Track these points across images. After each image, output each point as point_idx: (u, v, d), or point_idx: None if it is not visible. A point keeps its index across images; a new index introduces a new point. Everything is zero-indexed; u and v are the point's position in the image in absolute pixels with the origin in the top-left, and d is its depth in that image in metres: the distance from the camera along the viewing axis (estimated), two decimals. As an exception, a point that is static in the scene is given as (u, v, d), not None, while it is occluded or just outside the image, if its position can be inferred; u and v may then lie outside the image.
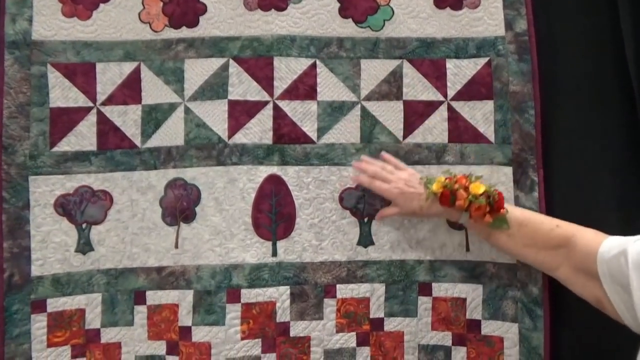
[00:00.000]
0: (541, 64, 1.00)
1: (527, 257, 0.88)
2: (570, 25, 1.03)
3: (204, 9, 1.01)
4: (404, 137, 1.01)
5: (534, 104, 0.99)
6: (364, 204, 0.99)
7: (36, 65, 0.99)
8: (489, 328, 0.97)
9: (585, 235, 0.79)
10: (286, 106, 1.00)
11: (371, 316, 0.98)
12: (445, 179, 0.90)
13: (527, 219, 0.87)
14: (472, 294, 0.98)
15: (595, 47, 1.02)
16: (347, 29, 1.02)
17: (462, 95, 1.01)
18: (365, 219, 0.99)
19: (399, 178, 0.93)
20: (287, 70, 1.00)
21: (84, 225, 0.99)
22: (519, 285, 0.97)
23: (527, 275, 0.95)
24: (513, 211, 0.88)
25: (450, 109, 1.01)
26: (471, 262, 0.98)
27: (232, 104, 1.00)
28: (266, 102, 1.00)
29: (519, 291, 0.96)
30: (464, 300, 0.98)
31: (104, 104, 1.00)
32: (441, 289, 0.98)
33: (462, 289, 0.98)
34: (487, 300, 0.97)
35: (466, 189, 0.88)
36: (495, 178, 0.99)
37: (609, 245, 0.73)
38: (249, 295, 0.96)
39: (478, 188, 0.88)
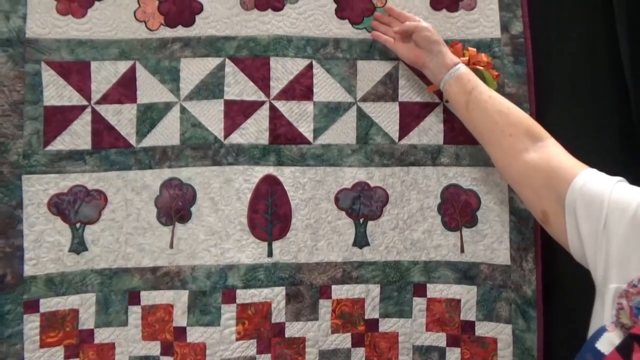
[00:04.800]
0: (536, 66, 1.01)
1: (493, 130, 0.85)
2: (566, 27, 1.04)
3: (200, 8, 1.01)
4: (400, 138, 1.01)
5: (529, 106, 0.99)
6: (359, 205, 1.00)
7: (30, 63, 0.98)
8: (483, 329, 0.97)
9: (560, 152, 0.78)
10: (282, 106, 1.00)
11: (366, 317, 0.98)
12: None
13: (509, 105, 0.87)
14: (467, 295, 0.98)
15: (590, 49, 1.03)
16: (344, 30, 1.02)
17: (457, 97, 1.01)
18: (361, 220, 1.00)
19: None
20: (283, 70, 1.00)
21: (77, 225, 0.98)
22: (512, 286, 0.97)
23: (521, 277, 0.96)
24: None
25: (446, 110, 1.01)
26: (466, 263, 0.99)
27: (228, 104, 0.99)
28: (262, 102, 1.00)
29: (513, 292, 0.97)
30: (459, 301, 0.98)
31: (98, 102, 1.00)
32: (436, 290, 0.98)
33: (456, 290, 0.98)
34: (481, 302, 0.98)
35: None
36: (490, 179, 1.00)
37: (587, 177, 0.71)
38: (245, 295, 0.96)
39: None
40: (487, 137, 0.88)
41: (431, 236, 1.00)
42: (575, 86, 1.01)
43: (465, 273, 0.99)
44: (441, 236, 1.00)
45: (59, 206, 0.98)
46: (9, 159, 0.96)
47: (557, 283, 0.97)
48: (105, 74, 1.00)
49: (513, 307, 0.97)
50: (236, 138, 0.99)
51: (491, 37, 1.02)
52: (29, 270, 0.95)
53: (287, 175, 0.99)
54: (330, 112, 1.01)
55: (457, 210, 1.00)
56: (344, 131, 1.01)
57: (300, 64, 1.01)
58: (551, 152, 0.79)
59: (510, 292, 0.97)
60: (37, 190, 0.97)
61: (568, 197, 0.71)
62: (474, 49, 0.99)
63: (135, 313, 0.97)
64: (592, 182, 0.70)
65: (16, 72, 0.98)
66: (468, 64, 0.95)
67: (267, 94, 1.00)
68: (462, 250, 0.99)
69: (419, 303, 0.99)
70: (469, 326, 0.98)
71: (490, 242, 0.99)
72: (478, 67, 0.96)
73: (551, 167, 0.76)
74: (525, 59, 1.00)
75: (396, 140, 1.01)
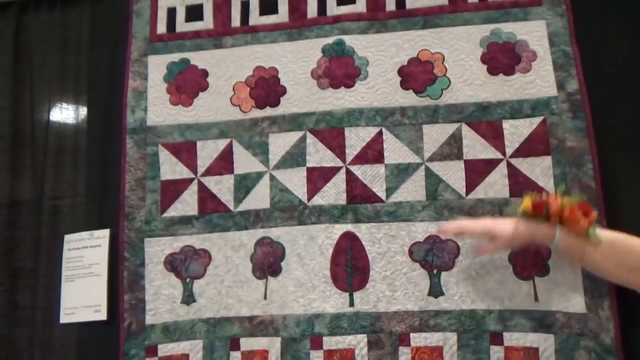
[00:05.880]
0: (596, 118, 1.06)
1: (620, 277, 0.89)
2: (622, 80, 1.08)
3: (284, 91, 1.19)
4: (467, 193, 1.09)
5: (592, 158, 1.04)
6: (432, 257, 1.07)
7: (150, 146, 1.20)
8: (565, 377, 0.98)
9: None
10: (357, 170, 1.13)
11: (445, 364, 1.03)
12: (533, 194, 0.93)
13: (618, 239, 0.88)
14: (544, 343, 1.00)
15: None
16: (409, 99, 1.14)
17: (520, 153, 1.08)
18: (435, 271, 1.07)
19: (485, 219, 0.99)
20: (356, 138, 1.14)
21: (187, 280, 1.15)
22: (590, 334, 0.98)
23: (598, 325, 0.97)
24: (603, 231, 0.90)
25: (510, 165, 1.08)
26: (541, 311, 1.01)
27: (310, 171, 1.14)
28: (339, 168, 1.13)
29: (591, 341, 0.98)
30: (537, 349, 1.00)
31: (203, 175, 1.19)
32: (512, 339, 1.01)
33: (533, 339, 1.00)
34: (559, 350, 0.99)
35: (555, 200, 0.90)
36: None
37: None
38: (330, 342, 1.05)
39: (567, 199, 0.90)
40: (614, 279, 0.93)
41: (504, 285, 1.04)
42: (636, 134, 1.05)
43: (541, 321, 1.01)
44: (514, 285, 1.03)
45: (173, 264, 1.15)
46: (134, 225, 1.17)
47: (638, 331, 0.97)
48: (208, 151, 1.19)
49: (593, 356, 0.97)
50: (318, 200, 1.12)
51: (548, 95, 1.09)
52: (149, 319, 1.13)
53: (364, 231, 1.10)
54: (400, 173, 1.11)
55: (528, 259, 1.04)
56: (414, 189, 1.11)
57: (371, 131, 1.14)
58: None
59: (588, 340, 0.98)
60: (156, 251, 1.16)
61: None
62: (556, 203, 0.90)
63: (235, 358, 1.09)
64: None
65: (140, 154, 1.20)
66: (560, 217, 0.90)
67: (343, 160, 1.13)
68: (536, 299, 1.02)
69: (496, 351, 1.02)
70: (550, 374, 0.99)
71: (564, 290, 1.01)
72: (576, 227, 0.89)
73: None
74: (584, 114, 1.06)
75: (463, 195, 1.09)
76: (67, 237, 1.21)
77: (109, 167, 1.22)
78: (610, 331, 0.97)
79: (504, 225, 0.93)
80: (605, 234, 0.89)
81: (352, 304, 1.07)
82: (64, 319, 1.17)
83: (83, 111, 1.31)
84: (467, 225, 0.99)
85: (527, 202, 0.91)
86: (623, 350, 0.96)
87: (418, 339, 1.04)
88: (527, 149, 1.08)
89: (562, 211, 0.89)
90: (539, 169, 1.07)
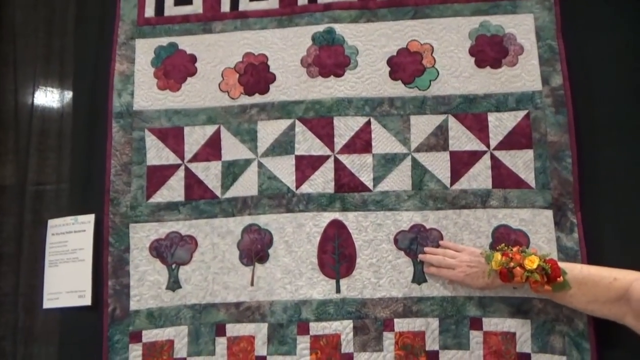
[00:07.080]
0: (578, 115, 1.09)
1: (593, 312, 0.94)
2: (607, 77, 1.11)
3: (273, 78, 1.19)
4: (451, 184, 1.12)
5: (571, 153, 1.07)
6: (416, 245, 1.10)
7: (136, 130, 1.19)
8: (539, 361, 1.03)
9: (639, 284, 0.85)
10: (345, 159, 1.14)
11: (427, 348, 1.06)
12: (502, 255, 0.97)
13: (586, 277, 0.92)
14: (521, 328, 1.04)
15: (631, 98, 1.10)
16: (397, 89, 1.16)
17: (503, 145, 1.11)
18: (418, 259, 1.10)
19: (462, 261, 1.03)
20: (345, 127, 1.15)
21: (173, 266, 1.15)
22: (565, 320, 1.02)
23: (572, 310, 1.01)
24: (572, 271, 0.93)
25: (493, 157, 1.11)
26: (519, 298, 1.05)
27: (299, 159, 1.15)
28: (328, 156, 1.14)
29: (566, 326, 1.02)
30: (514, 334, 1.04)
31: (190, 161, 1.18)
32: (491, 324, 1.05)
33: (511, 324, 1.05)
34: (535, 335, 1.03)
35: (521, 265, 0.95)
36: (537, 220, 1.07)
37: None
38: (317, 328, 1.07)
39: (532, 263, 0.94)
40: (587, 313, 0.98)
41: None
42: (617, 131, 1.08)
43: (519, 307, 1.05)
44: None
45: (158, 250, 1.15)
46: (119, 210, 1.16)
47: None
48: (195, 137, 1.19)
49: (567, 340, 1.02)
50: (306, 188, 1.13)
51: (533, 90, 1.12)
52: (133, 305, 1.13)
53: (351, 219, 1.12)
54: (387, 163, 1.13)
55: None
56: (400, 179, 1.13)
57: (359, 121, 1.15)
58: (633, 303, 0.87)
59: (563, 325, 1.02)
60: (141, 236, 1.15)
61: None
62: (520, 273, 0.96)
63: (221, 344, 1.10)
64: None
65: (126, 139, 1.19)
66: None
67: (332, 149, 1.15)
68: (515, 286, 1.06)
69: (475, 336, 1.05)
70: (525, 358, 1.03)
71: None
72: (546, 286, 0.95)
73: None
74: (566, 109, 1.09)
75: (448, 185, 1.12)
76: (50, 222, 1.19)
77: (94, 151, 1.20)
78: (584, 316, 1.01)
79: (477, 280, 1.01)
80: (574, 275, 0.93)
81: (338, 290, 1.09)
82: (47, 304, 1.16)
83: (68, 94, 1.28)
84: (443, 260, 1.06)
85: (496, 265, 0.97)
86: (595, 334, 1.01)
87: (401, 324, 1.07)
88: (510, 141, 1.11)
89: (527, 279, 0.95)
90: (521, 162, 1.10)
